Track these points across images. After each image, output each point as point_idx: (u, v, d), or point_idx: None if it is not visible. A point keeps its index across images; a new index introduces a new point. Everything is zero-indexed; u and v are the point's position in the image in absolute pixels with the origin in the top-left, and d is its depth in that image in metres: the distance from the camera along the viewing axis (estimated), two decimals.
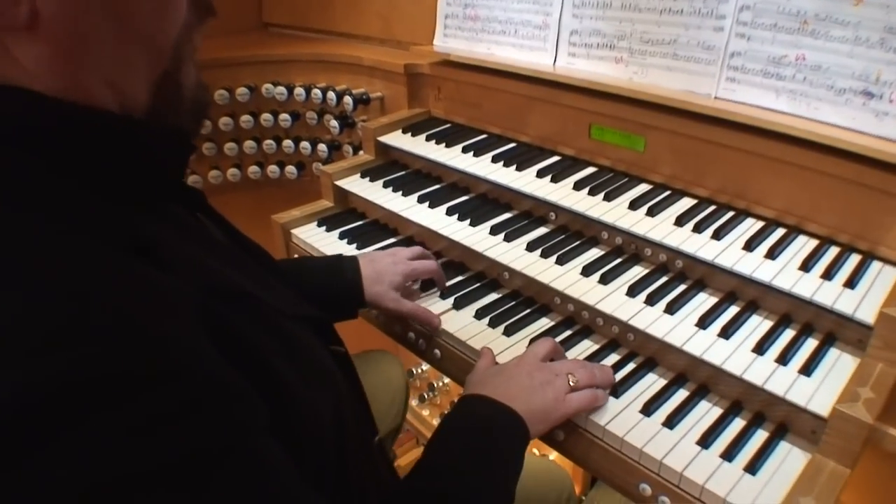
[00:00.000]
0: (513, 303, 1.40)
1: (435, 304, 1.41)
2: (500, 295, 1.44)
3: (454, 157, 1.69)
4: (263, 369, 0.73)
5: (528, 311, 1.37)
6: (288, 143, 2.14)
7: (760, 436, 1.08)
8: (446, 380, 2.68)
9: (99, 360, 0.53)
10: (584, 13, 1.56)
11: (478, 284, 1.47)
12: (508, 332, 1.32)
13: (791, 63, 1.29)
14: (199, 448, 0.58)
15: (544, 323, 1.35)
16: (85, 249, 0.60)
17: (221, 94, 2.08)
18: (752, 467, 1.01)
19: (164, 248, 0.69)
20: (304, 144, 2.11)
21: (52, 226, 0.60)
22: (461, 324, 1.35)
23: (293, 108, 2.12)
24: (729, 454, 1.03)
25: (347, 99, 1.97)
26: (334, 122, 2.01)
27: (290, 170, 2.17)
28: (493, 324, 1.34)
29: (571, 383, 1.09)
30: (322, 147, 2.09)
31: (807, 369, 1.08)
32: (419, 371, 2.76)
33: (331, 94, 2.00)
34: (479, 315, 1.37)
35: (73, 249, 0.59)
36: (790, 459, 1.04)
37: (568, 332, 1.31)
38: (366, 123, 1.86)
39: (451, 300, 1.41)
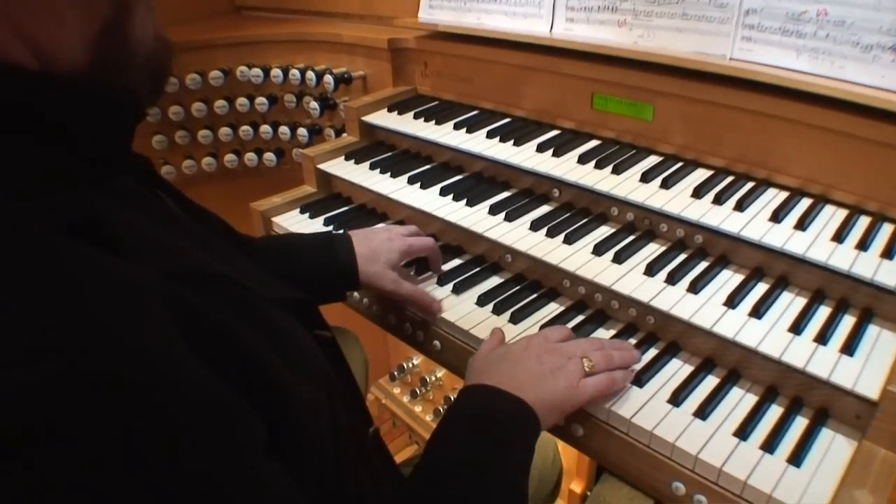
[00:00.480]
0: (517, 287, 1.29)
1: (432, 291, 1.29)
2: (502, 279, 1.32)
3: (445, 135, 1.57)
4: (254, 370, 0.62)
5: (534, 295, 1.26)
6: (266, 129, 2.01)
7: (800, 423, 0.97)
8: (439, 373, 2.58)
9: (61, 382, 0.42)
10: None
11: (477, 269, 1.35)
12: (515, 319, 1.20)
13: (812, 19, 1.18)
14: (189, 484, 0.48)
15: (553, 308, 1.24)
16: (18, 229, 0.48)
17: (193, 79, 1.95)
18: (796, 458, 0.91)
19: (115, 227, 0.57)
20: (283, 129, 1.98)
21: None
22: (463, 312, 1.24)
23: (270, 92, 1.99)
24: (770, 445, 0.93)
25: (328, 78, 1.84)
26: (314, 104, 1.89)
27: (269, 157, 2.03)
28: (497, 310, 1.23)
29: (587, 367, 0.98)
30: (302, 131, 1.96)
31: (848, 348, 0.98)
32: (410, 366, 2.66)
33: (310, 75, 1.88)
34: (482, 301, 1.25)
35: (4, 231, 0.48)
36: (835, 448, 0.94)
37: (580, 318, 1.20)
38: (348, 103, 1.73)
39: (449, 286, 1.30)
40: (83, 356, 0.44)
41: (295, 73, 1.90)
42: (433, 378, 2.57)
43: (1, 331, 0.43)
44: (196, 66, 1.97)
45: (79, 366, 0.43)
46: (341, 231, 1.47)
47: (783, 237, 1.11)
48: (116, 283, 0.50)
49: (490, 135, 1.53)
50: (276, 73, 1.92)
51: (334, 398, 0.82)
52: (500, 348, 1.06)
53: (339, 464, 0.77)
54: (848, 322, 1.04)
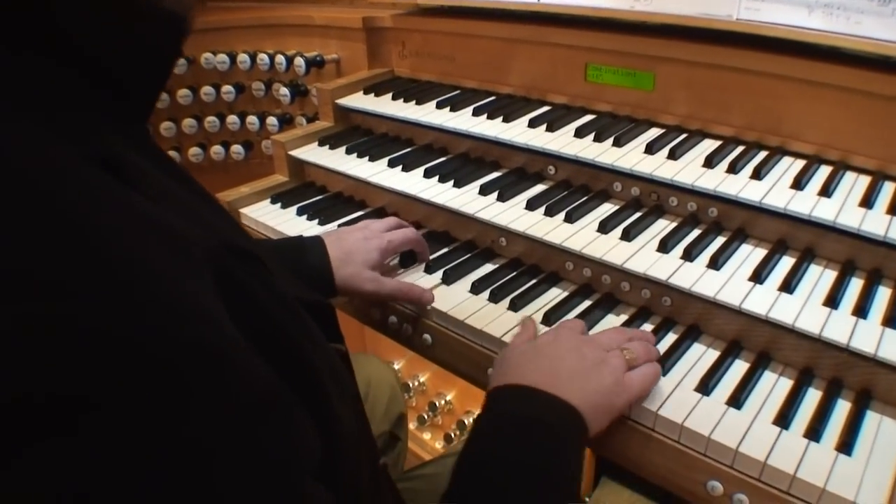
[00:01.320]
0: (514, 273, 1.16)
1: (419, 281, 1.16)
2: (497, 265, 1.20)
3: (428, 114, 1.45)
4: (301, 368, 0.52)
5: (534, 281, 1.13)
6: (233, 119, 1.86)
7: (843, 407, 0.86)
8: (449, 396, 2.27)
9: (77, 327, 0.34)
10: None
11: (468, 255, 1.22)
12: (515, 307, 1.07)
13: None
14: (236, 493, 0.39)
15: (556, 294, 1.11)
16: (47, 158, 0.39)
17: None
18: (846, 446, 0.80)
19: (143, 177, 0.47)
20: (251, 119, 1.84)
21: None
22: (455, 301, 1.10)
23: (237, 80, 1.85)
24: (814, 433, 0.82)
25: (299, 61, 1.71)
26: (284, 90, 1.75)
27: (237, 149, 1.89)
28: (494, 298, 1.10)
29: (628, 358, 0.85)
30: (272, 121, 1.82)
31: (891, 321, 0.88)
32: (416, 384, 2.31)
33: (279, 59, 1.74)
34: (476, 289, 1.12)
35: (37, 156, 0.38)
36: (885, 432, 0.83)
37: (587, 303, 1.08)
38: (322, 86, 1.60)
39: (438, 274, 1.17)
40: (104, 304, 0.35)
41: (263, 58, 1.76)
42: (442, 402, 2.23)
43: (21, 262, 0.34)
44: None
45: (97, 313, 0.35)
46: (315, 223, 1.35)
47: (809, 204, 1.00)
48: (158, 228, 0.42)
49: (476, 112, 1.41)
50: (244, 58, 1.78)
51: (356, 415, 0.71)
52: (529, 345, 0.89)
53: (357, 494, 0.65)
54: (885, 293, 0.93)
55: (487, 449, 0.75)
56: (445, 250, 1.25)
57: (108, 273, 0.36)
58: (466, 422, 2.09)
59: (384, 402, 1.38)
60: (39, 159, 0.38)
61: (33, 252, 0.35)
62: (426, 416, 2.20)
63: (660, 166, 1.14)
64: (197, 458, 0.38)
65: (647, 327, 1.02)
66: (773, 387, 0.90)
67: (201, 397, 0.38)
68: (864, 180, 1.07)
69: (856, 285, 0.95)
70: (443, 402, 2.18)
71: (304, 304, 0.67)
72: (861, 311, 0.89)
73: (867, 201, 1.00)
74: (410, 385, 2.25)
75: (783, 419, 0.83)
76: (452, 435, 2.21)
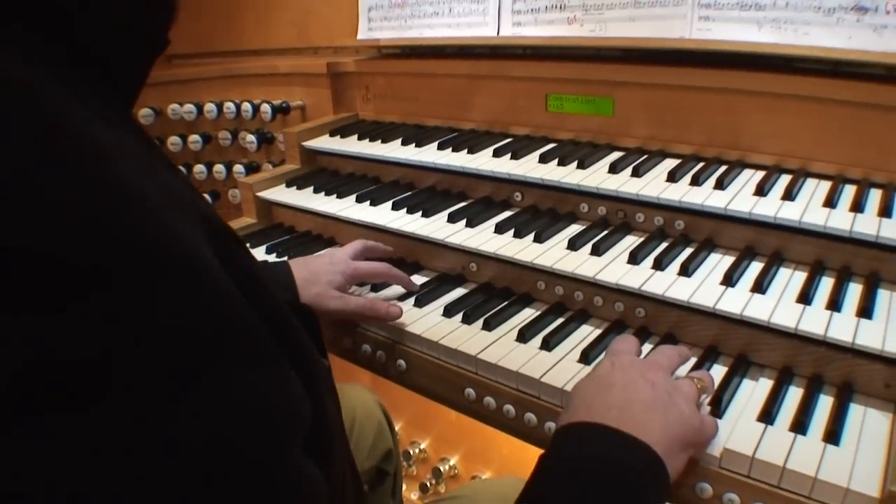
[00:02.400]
0: (487, 296, 1.13)
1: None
2: (468, 290, 1.17)
3: (394, 151, 1.44)
4: (296, 345, 0.51)
5: (506, 302, 1.11)
6: (200, 169, 1.84)
7: (826, 402, 0.84)
8: (452, 461, 2.11)
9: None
10: None
11: (439, 283, 1.19)
12: (489, 326, 1.04)
13: None
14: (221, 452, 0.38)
15: (529, 313, 1.09)
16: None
17: None
18: (833, 436, 0.77)
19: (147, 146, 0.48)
20: (219, 168, 1.82)
21: None
22: (429, 324, 1.07)
23: (204, 129, 1.84)
24: (800, 426, 0.79)
25: (265, 108, 1.70)
26: (251, 138, 1.73)
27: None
28: (467, 319, 1.07)
29: (699, 387, 0.78)
30: (239, 168, 1.80)
31: (865, 312, 0.87)
32: (416, 451, 2.13)
33: (246, 107, 1.74)
34: (449, 312, 1.09)
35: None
36: (870, 422, 0.80)
37: (559, 321, 1.05)
38: (288, 129, 1.59)
39: (410, 300, 1.14)
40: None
41: (230, 107, 1.75)
42: (446, 467, 2.06)
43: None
44: None
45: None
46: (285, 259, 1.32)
47: (774, 208, 1.00)
48: (161, 174, 0.42)
49: (441, 146, 1.41)
50: (210, 107, 1.77)
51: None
52: (585, 379, 0.78)
53: None
54: (856, 289, 0.92)
55: (552, 492, 0.64)
56: (416, 279, 1.22)
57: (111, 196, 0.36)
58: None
59: (371, 436, 1.32)
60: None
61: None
62: (429, 484, 2.05)
63: (624, 183, 1.13)
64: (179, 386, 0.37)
65: None
66: (755, 388, 0.87)
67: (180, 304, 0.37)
68: (826, 184, 1.07)
69: (827, 283, 0.94)
70: (446, 466, 2.05)
71: (294, 309, 0.64)
72: (834, 304, 0.88)
73: (830, 202, 1.00)
74: (411, 452, 2.11)
75: (767, 416, 0.81)
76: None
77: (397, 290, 1.18)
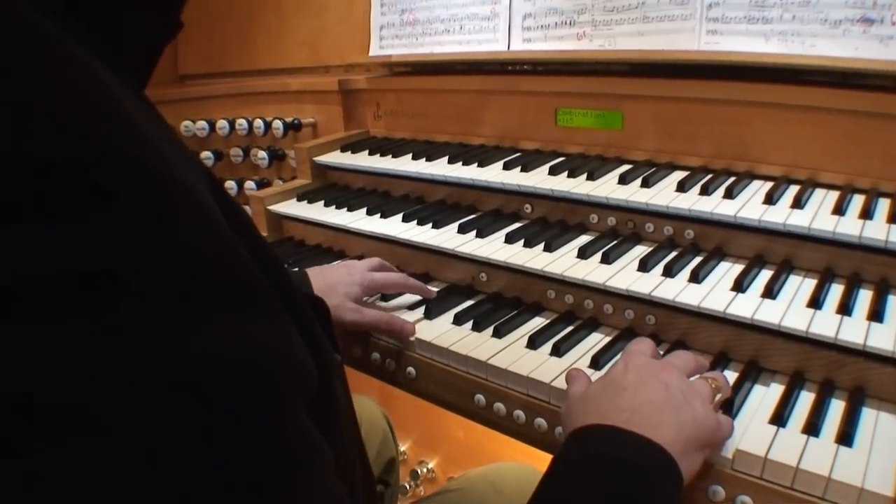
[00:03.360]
0: (496, 305, 1.14)
1: (402, 316, 1.12)
2: (478, 299, 1.18)
3: (403, 165, 1.46)
4: (299, 314, 0.49)
5: (516, 311, 1.11)
6: None
7: (838, 405, 0.84)
8: (431, 464, 2.12)
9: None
10: None
11: (449, 292, 1.20)
12: (499, 334, 1.05)
13: (776, 3, 1.13)
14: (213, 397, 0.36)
15: (539, 322, 1.09)
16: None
17: None
18: (846, 438, 0.76)
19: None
20: (230, 184, 1.84)
21: None
22: (438, 331, 1.08)
23: (215, 146, 1.86)
24: (812, 428, 0.78)
25: (277, 125, 1.72)
26: (262, 154, 1.76)
27: None
28: (477, 327, 1.07)
29: (713, 387, 0.78)
30: (250, 185, 1.81)
31: (876, 315, 0.87)
32: (424, 471, 2.12)
33: (258, 123, 1.76)
34: (459, 320, 1.10)
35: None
36: (883, 425, 0.80)
37: (569, 329, 1.05)
38: (299, 144, 1.61)
39: (420, 310, 1.14)
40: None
41: (242, 123, 1.78)
42: (425, 470, 2.09)
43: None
44: None
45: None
46: (296, 269, 1.33)
47: (783, 215, 1.01)
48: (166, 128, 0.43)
49: (451, 160, 1.42)
50: (222, 124, 1.80)
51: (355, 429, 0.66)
52: (602, 380, 0.78)
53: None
54: (866, 294, 0.92)
55: (564, 492, 0.64)
56: None
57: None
58: None
59: (375, 445, 1.32)
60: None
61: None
62: (408, 487, 2.08)
63: (634, 193, 1.14)
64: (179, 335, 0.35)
65: None
66: (766, 392, 0.87)
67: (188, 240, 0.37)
68: (835, 193, 1.08)
69: (837, 289, 0.94)
70: (425, 469, 2.08)
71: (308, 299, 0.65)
72: (845, 308, 0.88)
73: (839, 209, 1.00)
74: (419, 472, 2.09)
75: (779, 418, 0.80)
76: None
77: (408, 299, 1.18)
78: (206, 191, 0.41)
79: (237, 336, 0.38)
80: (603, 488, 0.63)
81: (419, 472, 2.07)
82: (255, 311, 0.40)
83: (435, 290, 1.20)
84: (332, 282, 1.09)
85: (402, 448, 2.16)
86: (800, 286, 0.96)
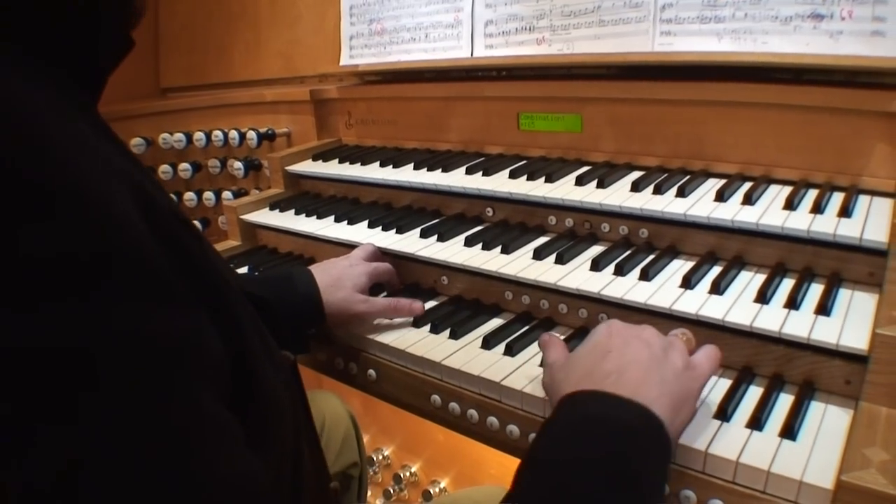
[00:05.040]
0: (455, 307, 1.12)
1: None
2: (439, 302, 1.16)
3: (371, 172, 1.44)
4: (219, 301, 0.51)
5: (474, 313, 1.09)
6: (190, 196, 1.84)
7: (786, 400, 0.81)
8: (414, 468, 2.09)
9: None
10: (498, 0, 1.38)
11: (411, 297, 1.17)
12: (456, 335, 1.03)
13: (728, 2, 1.11)
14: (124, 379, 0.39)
15: (497, 323, 1.07)
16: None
17: None
18: (789, 432, 0.75)
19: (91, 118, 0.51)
20: (208, 195, 1.82)
21: None
22: (397, 334, 1.06)
23: (194, 158, 1.85)
24: (757, 422, 0.76)
25: (251, 135, 1.71)
26: (238, 164, 1.74)
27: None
28: (435, 329, 1.05)
29: (685, 339, 0.78)
30: (228, 195, 1.80)
31: (824, 309, 0.84)
32: (380, 458, 2.12)
33: (233, 134, 1.75)
34: (418, 323, 1.08)
35: None
36: (830, 418, 0.78)
37: (524, 329, 1.03)
38: (273, 155, 1.59)
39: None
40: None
41: (218, 135, 1.76)
42: (407, 474, 2.07)
43: None
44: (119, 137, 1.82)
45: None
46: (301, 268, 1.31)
47: (732, 211, 0.98)
48: (97, 150, 0.44)
49: (417, 166, 1.40)
50: (199, 136, 1.79)
51: (299, 430, 0.65)
52: (581, 347, 0.77)
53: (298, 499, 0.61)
54: (817, 289, 0.90)
55: (550, 453, 0.64)
56: (388, 293, 1.21)
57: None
58: (432, 491, 1.96)
59: (337, 442, 1.30)
60: None
61: None
62: (392, 490, 2.06)
63: (589, 194, 1.12)
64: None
65: None
66: (713, 387, 0.85)
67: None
68: (788, 189, 1.05)
69: (788, 284, 0.91)
70: (408, 473, 2.05)
71: (252, 298, 0.66)
72: (793, 303, 0.86)
73: (791, 204, 0.98)
74: (375, 458, 2.11)
75: (723, 413, 0.78)
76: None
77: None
78: (123, 190, 0.44)
79: (123, 317, 0.40)
80: (590, 446, 0.62)
81: (402, 475, 2.04)
82: (154, 298, 0.42)
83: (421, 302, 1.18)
84: (337, 275, 1.08)
85: (386, 452, 2.13)
86: (749, 282, 0.94)
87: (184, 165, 1.81)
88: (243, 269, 1.37)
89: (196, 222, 1.86)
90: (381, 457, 2.12)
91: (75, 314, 0.38)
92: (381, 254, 1.20)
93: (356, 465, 1.32)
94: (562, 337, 0.99)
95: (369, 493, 2.02)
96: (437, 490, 1.96)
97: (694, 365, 0.74)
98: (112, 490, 0.37)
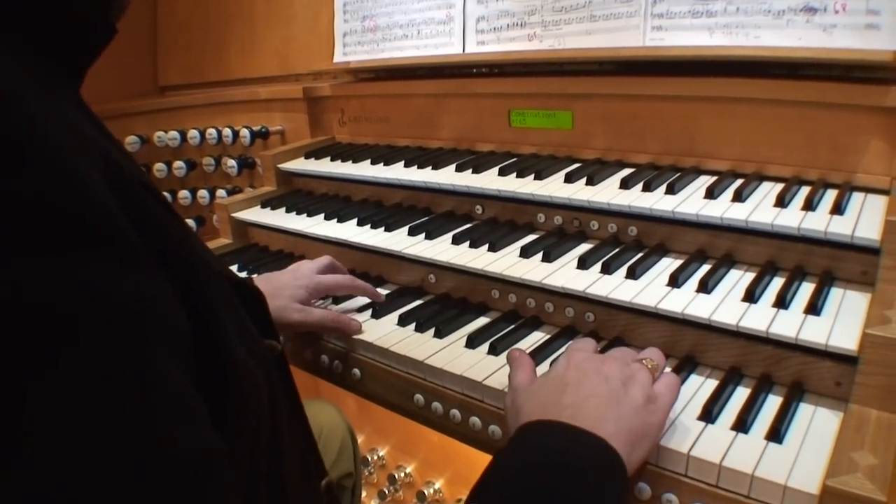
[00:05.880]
0: (442, 305, 1.09)
1: (351, 316, 1.08)
2: (425, 300, 1.13)
3: (362, 170, 1.41)
4: (188, 274, 0.49)
5: (459, 312, 1.06)
6: (184, 194, 1.82)
7: (774, 401, 0.78)
8: (409, 469, 2.06)
9: None
10: None
11: (398, 294, 1.15)
12: (440, 334, 1.00)
13: None
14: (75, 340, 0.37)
15: (482, 322, 1.04)
16: None
17: None
18: (776, 435, 0.71)
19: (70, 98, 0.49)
20: (202, 193, 1.80)
21: None
22: (382, 333, 1.03)
23: (188, 156, 1.83)
24: (742, 424, 0.73)
25: (244, 133, 1.69)
26: (232, 162, 1.72)
27: (189, 224, 1.83)
28: (420, 328, 1.02)
29: (650, 367, 0.74)
30: (221, 193, 1.78)
31: (813, 308, 0.81)
32: (375, 458, 2.09)
33: (227, 132, 1.73)
34: (403, 321, 1.05)
35: None
36: (819, 421, 0.74)
37: (509, 328, 1.00)
38: (265, 153, 1.57)
39: (368, 312, 1.10)
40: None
41: (212, 133, 1.75)
42: (402, 475, 2.04)
43: None
44: (112, 133, 1.79)
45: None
46: (254, 276, 1.29)
47: (722, 208, 0.95)
48: (65, 115, 0.42)
49: (408, 164, 1.38)
50: (193, 133, 1.77)
51: (280, 421, 0.63)
52: (545, 377, 0.75)
53: (278, 494, 0.59)
54: (808, 287, 0.86)
55: (502, 485, 0.61)
56: (379, 291, 1.18)
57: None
58: (426, 493, 1.93)
59: (333, 451, 1.27)
60: None
61: None
62: (387, 491, 2.03)
63: (577, 192, 1.09)
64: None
65: None
66: (700, 388, 0.82)
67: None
68: (780, 186, 1.02)
69: (778, 283, 0.88)
70: (402, 474, 2.02)
71: (234, 283, 0.65)
72: (782, 302, 0.82)
73: (782, 202, 0.95)
74: (369, 459, 2.09)
75: (708, 415, 0.75)
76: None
77: (358, 302, 1.14)
78: (89, 161, 0.41)
79: (78, 270, 0.38)
80: (543, 480, 0.60)
81: (397, 476, 2.01)
82: (118, 258, 0.40)
83: (385, 293, 1.16)
84: (279, 285, 1.06)
85: (381, 453, 2.10)
86: (739, 280, 0.90)
87: (178, 163, 1.79)
88: (233, 268, 1.35)
89: (190, 220, 1.84)
90: (375, 457, 2.09)
91: (44, 270, 0.36)
92: (334, 267, 1.15)
93: (350, 476, 1.30)
94: (547, 336, 0.97)
95: (364, 493, 2.01)
96: (431, 491, 1.93)
97: (655, 397, 0.71)
98: (59, 458, 0.35)
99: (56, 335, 0.36)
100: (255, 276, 1.08)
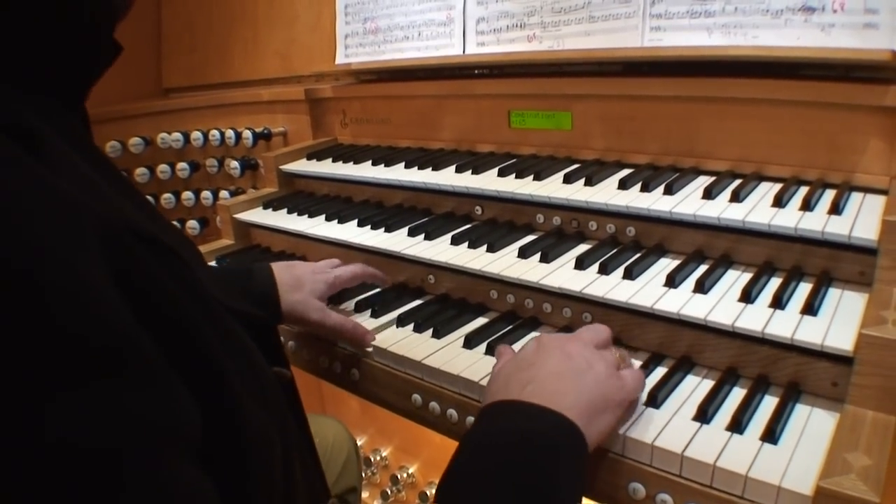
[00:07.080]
0: (441, 306, 1.09)
1: (350, 317, 1.08)
2: (424, 300, 1.13)
3: (362, 171, 1.41)
4: (198, 356, 0.48)
5: (458, 312, 1.06)
6: (188, 195, 1.83)
7: (770, 402, 0.78)
8: (411, 469, 2.07)
9: None
10: None
11: (398, 294, 1.15)
12: (438, 334, 1.00)
13: None
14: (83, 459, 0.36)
15: (481, 322, 1.04)
16: None
17: (113, 147, 1.78)
18: (771, 436, 0.71)
19: (54, 153, 0.44)
20: (206, 194, 1.80)
21: None
22: (379, 333, 1.03)
23: (191, 157, 1.83)
24: (737, 425, 0.73)
25: (247, 134, 1.69)
26: (235, 164, 1.72)
27: (192, 225, 1.84)
28: (418, 328, 1.02)
29: (618, 355, 0.76)
30: (224, 194, 1.78)
31: (810, 308, 0.81)
32: (377, 458, 2.11)
33: (229, 133, 1.73)
34: (402, 321, 1.05)
35: None
36: (815, 422, 0.74)
37: (507, 328, 1.00)
38: (267, 154, 1.57)
39: (367, 311, 1.10)
40: None
41: (215, 134, 1.75)
42: (404, 475, 2.05)
43: None
44: (116, 135, 1.81)
45: None
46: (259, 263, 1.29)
47: (719, 209, 0.95)
48: (48, 192, 0.39)
49: (408, 165, 1.38)
50: (196, 135, 1.77)
51: (291, 449, 0.63)
52: (509, 361, 0.77)
53: None
54: (805, 288, 0.86)
55: (463, 470, 0.63)
56: (377, 290, 1.18)
57: None
58: (429, 493, 1.93)
59: (337, 467, 1.27)
60: None
61: None
62: (389, 492, 2.03)
63: (576, 192, 1.09)
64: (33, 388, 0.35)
65: None
66: (695, 388, 0.81)
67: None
68: (778, 186, 1.02)
69: (775, 283, 0.88)
70: (405, 474, 2.02)
71: (243, 315, 0.63)
72: (778, 302, 0.82)
73: (780, 202, 0.94)
74: (372, 459, 2.09)
75: (703, 415, 0.75)
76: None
77: (357, 302, 1.13)
78: (91, 250, 0.40)
79: (108, 407, 0.38)
80: (500, 459, 0.62)
81: (399, 476, 2.01)
82: (124, 374, 0.39)
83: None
84: (299, 276, 1.05)
85: (384, 453, 2.11)
86: (736, 281, 0.90)
87: (182, 165, 1.79)
88: None
89: (194, 222, 1.84)
90: (378, 458, 2.09)
91: (57, 407, 0.36)
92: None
93: (354, 491, 1.30)
94: None
95: (367, 493, 2.04)
96: (433, 491, 1.92)
97: (619, 377, 0.72)
98: None
99: (101, 472, 0.37)
100: (273, 263, 1.06)
